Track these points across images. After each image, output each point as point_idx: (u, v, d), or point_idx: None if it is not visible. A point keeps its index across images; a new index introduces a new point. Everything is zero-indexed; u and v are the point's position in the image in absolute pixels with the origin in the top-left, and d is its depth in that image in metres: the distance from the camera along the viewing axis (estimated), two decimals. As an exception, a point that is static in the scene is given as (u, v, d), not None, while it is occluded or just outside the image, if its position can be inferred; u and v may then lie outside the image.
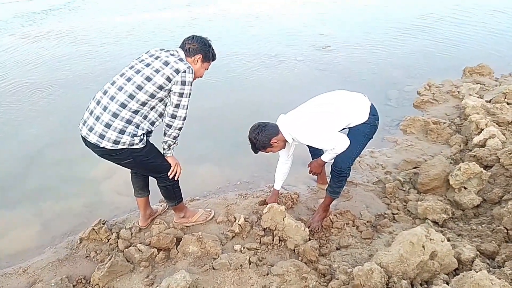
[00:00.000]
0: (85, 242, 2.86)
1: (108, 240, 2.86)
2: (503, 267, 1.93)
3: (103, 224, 2.95)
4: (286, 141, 2.62)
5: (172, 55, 2.28)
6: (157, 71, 2.19)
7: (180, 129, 2.39)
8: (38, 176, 3.73)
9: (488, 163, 3.21)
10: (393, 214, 2.93)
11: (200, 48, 2.34)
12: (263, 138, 2.55)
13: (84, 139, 2.29)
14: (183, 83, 2.22)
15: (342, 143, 2.48)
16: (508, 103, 4.22)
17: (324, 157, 2.70)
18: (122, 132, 2.19)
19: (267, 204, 2.92)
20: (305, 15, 9.11)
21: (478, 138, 3.52)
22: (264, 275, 2.41)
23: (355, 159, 2.69)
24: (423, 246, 1.95)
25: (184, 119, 2.35)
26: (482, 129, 3.59)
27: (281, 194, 3.23)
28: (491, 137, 3.44)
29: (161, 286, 2.25)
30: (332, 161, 2.71)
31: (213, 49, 2.43)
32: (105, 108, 2.19)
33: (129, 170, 2.71)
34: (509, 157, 3.00)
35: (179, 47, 2.38)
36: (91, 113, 2.24)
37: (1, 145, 4.25)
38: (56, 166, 3.86)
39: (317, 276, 2.32)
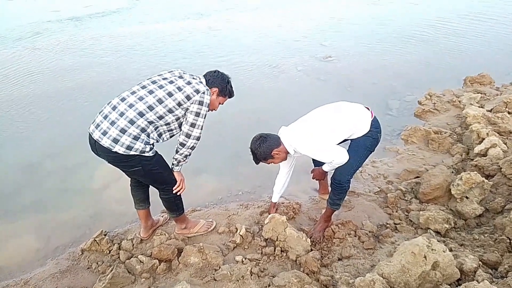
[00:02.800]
0: (86, 253, 2.85)
1: (110, 251, 2.86)
2: (506, 277, 1.92)
3: (105, 235, 2.95)
4: (288, 153, 2.64)
5: (194, 78, 2.42)
6: (179, 88, 2.31)
7: (193, 148, 2.47)
8: (37, 187, 3.74)
9: (490, 172, 3.21)
10: (395, 224, 2.92)
11: (218, 82, 2.48)
12: (265, 149, 2.57)
13: (94, 142, 2.29)
14: (200, 103, 2.33)
15: (341, 158, 2.49)
16: (509, 112, 4.23)
17: (324, 167, 2.71)
18: (136, 138, 2.24)
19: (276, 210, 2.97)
20: (305, 27, 9.19)
21: (479, 147, 3.52)
22: (266, 286, 2.40)
23: (355, 172, 2.70)
24: (425, 257, 1.94)
25: (198, 139, 2.44)
26: (483, 139, 3.59)
27: (283, 203, 3.23)
28: (492, 147, 3.44)
29: (161, 298, 2.25)
30: (333, 171, 2.72)
31: (231, 86, 2.56)
32: (121, 114, 2.24)
33: (129, 182, 2.74)
34: (511, 166, 3.00)
35: (202, 75, 2.51)
36: (105, 117, 2.28)
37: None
38: (55, 177, 3.87)
39: (319, 287, 2.31)
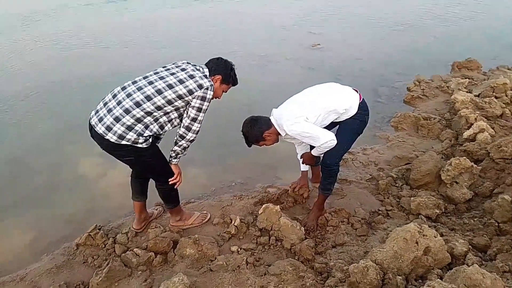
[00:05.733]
0: (81, 248, 2.84)
1: (105, 245, 2.85)
2: (495, 260, 1.98)
3: (99, 229, 2.94)
4: (279, 134, 2.65)
5: (198, 70, 2.40)
6: (181, 81, 2.29)
7: (192, 141, 2.48)
8: (28, 182, 3.70)
9: (479, 157, 3.28)
10: (386, 210, 2.98)
11: (221, 70, 2.47)
12: (256, 131, 2.59)
13: (91, 128, 2.33)
14: (203, 98, 2.33)
15: (329, 141, 2.51)
16: (496, 97, 4.30)
17: (313, 152, 2.74)
18: (129, 128, 2.23)
19: (295, 189, 3.05)
20: (294, 15, 9.13)
21: (468, 132, 3.58)
22: (262, 275, 2.43)
23: (343, 155, 2.74)
24: (417, 242, 1.99)
25: (197, 133, 2.45)
26: (472, 124, 3.65)
27: (280, 193, 3.25)
28: (480, 132, 3.50)
29: (158, 290, 2.27)
30: (322, 156, 2.75)
31: (234, 74, 2.55)
32: (119, 103, 2.25)
33: (126, 174, 2.74)
34: (499, 150, 3.06)
35: (205, 64, 2.50)
36: (105, 104, 2.31)
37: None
38: (45, 171, 3.83)
39: (314, 275, 2.35)
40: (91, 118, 2.33)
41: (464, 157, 2.99)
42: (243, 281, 2.40)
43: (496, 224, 2.36)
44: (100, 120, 2.25)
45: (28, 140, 4.34)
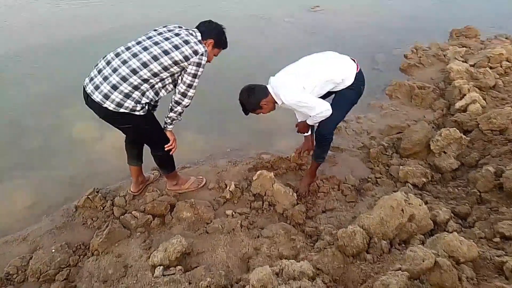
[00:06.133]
0: (80, 210, 2.93)
1: (103, 207, 2.94)
2: (473, 227, 2.11)
3: (97, 192, 3.02)
4: (276, 103, 2.68)
5: (191, 35, 2.38)
6: (176, 47, 2.27)
7: (187, 106, 2.50)
8: (26, 145, 3.72)
9: (468, 128, 3.36)
10: (376, 178, 3.09)
11: (214, 34, 2.45)
12: (253, 100, 2.62)
13: (87, 96, 2.31)
14: (198, 64, 2.33)
15: (325, 111, 2.55)
16: (491, 67, 4.32)
17: (308, 121, 2.78)
18: (127, 96, 2.25)
19: (299, 154, 3.12)
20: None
21: (460, 103, 3.64)
22: (255, 238, 2.56)
23: (337, 124, 2.78)
24: (402, 210, 2.10)
25: (192, 98, 2.47)
26: (465, 95, 3.70)
27: (274, 160, 3.33)
28: (472, 102, 3.56)
29: (159, 250, 2.39)
30: (316, 125, 2.80)
31: (225, 37, 2.53)
32: (115, 70, 2.24)
33: (123, 138, 2.78)
34: (487, 122, 3.14)
35: (196, 27, 2.46)
36: (99, 71, 2.29)
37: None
38: (42, 134, 3.84)
39: (304, 237, 2.49)
40: (85, 86, 2.31)
41: (454, 128, 3.07)
42: (238, 242, 2.54)
43: (478, 193, 2.48)
44: (97, 88, 2.24)
45: (24, 102, 4.31)
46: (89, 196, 2.98)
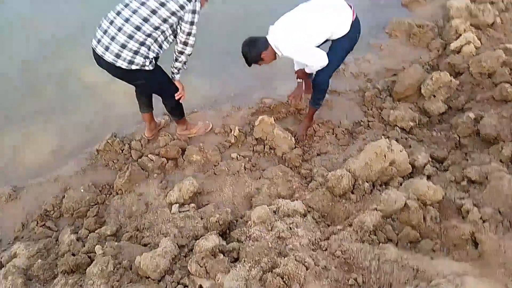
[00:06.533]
0: (101, 153, 3.25)
1: (122, 150, 3.26)
2: (447, 170, 2.42)
3: (115, 137, 3.34)
4: (276, 53, 2.82)
5: None
6: None
7: (190, 54, 2.67)
8: (43, 91, 3.90)
9: (460, 70, 3.50)
10: (368, 121, 3.34)
11: None
12: (254, 53, 2.77)
13: (98, 57, 2.50)
14: (193, 12, 2.45)
15: (321, 61, 2.71)
16: (492, 2, 4.27)
17: (306, 69, 2.96)
18: (136, 53, 2.43)
19: (293, 99, 3.30)
20: None
21: (455, 44, 3.72)
22: (257, 179, 2.93)
23: (333, 72, 2.93)
24: (385, 156, 2.40)
25: (193, 46, 2.62)
26: (460, 35, 3.76)
27: (275, 104, 3.57)
28: (467, 44, 3.65)
29: (174, 190, 2.79)
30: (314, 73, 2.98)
31: None
32: (119, 29, 2.39)
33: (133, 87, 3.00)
34: (478, 65, 3.28)
35: None
36: (105, 32, 2.44)
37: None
38: (57, 80, 4.00)
39: (300, 179, 2.85)
40: (95, 48, 2.46)
41: (444, 72, 3.23)
42: (242, 183, 2.91)
43: (458, 138, 2.75)
44: (107, 48, 2.41)
45: (37, 46, 4.35)
46: (108, 141, 3.30)
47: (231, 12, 4.79)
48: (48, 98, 3.89)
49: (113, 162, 3.23)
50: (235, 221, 2.50)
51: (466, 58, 3.53)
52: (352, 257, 1.83)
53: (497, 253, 1.59)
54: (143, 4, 2.38)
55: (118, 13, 2.42)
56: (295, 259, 1.80)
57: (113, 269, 2.01)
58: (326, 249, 1.92)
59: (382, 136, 3.10)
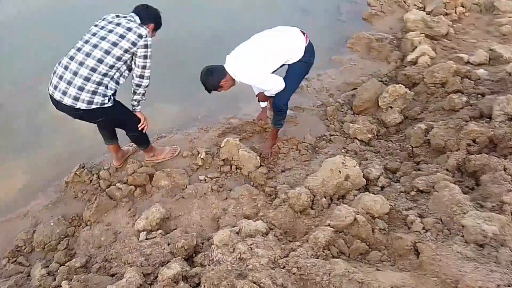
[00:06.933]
0: (70, 185, 3.28)
1: (91, 181, 3.30)
2: (399, 181, 2.53)
3: (83, 167, 3.38)
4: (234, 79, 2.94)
5: (131, 21, 2.59)
6: (121, 36, 2.50)
7: (147, 86, 2.77)
8: (13, 127, 3.94)
9: (416, 81, 3.66)
10: (330, 135, 3.45)
11: (153, 18, 2.69)
12: (212, 81, 2.87)
13: (57, 102, 2.56)
14: (145, 46, 2.57)
15: (278, 86, 2.84)
16: (446, 14, 4.50)
17: (265, 93, 3.10)
18: (94, 93, 2.51)
19: (260, 121, 3.52)
20: None
21: (411, 56, 3.90)
22: (224, 199, 2.99)
23: (291, 95, 3.05)
24: (340, 171, 2.50)
25: (149, 78, 2.73)
26: (416, 47, 3.94)
27: (241, 124, 3.66)
28: (422, 55, 3.82)
29: (141, 218, 2.83)
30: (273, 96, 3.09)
31: (161, 19, 2.77)
32: (75, 73, 2.48)
33: None
34: (431, 76, 3.44)
35: (133, 12, 2.67)
36: (60, 78, 2.51)
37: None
38: (26, 115, 4.04)
39: (265, 197, 2.92)
40: (52, 94, 2.54)
41: (399, 85, 3.37)
42: (209, 205, 2.97)
43: (411, 148, 2.88)
44: (64, 93, 2.48)
45: (3, 81, 4.40)
46: (76, 172, 3.34)
47: (197, 35, 4.90)
48: (18, 133, 3.91)
49: (82, 193, 3.26)
50: (201, 244, 2.55)
51: (421, 69, 3.69)
52: (306, 273, 1.90)
53: (433, 261, 1.68)
54: (95, 46, 2.48)
55: (72, 58, 2.51)
56: (252, 281, 1.86)
57: (78, 304, 2.03)
58: (284, 267, 1.99)
59: (343, 150, 3.24)
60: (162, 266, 2.31)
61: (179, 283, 1.98)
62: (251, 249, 2.13)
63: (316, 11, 5.16)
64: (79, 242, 2.90)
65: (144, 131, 3.03)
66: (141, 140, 3.14)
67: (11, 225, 3.10)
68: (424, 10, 4.67)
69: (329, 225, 2.10)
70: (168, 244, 2.55)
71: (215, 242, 2.23)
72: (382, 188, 2.50)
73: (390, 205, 2.21)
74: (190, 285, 1.95)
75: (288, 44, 2.86)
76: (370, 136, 3.22)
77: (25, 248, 2.93)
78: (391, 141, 3.19)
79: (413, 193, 2.30)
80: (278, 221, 2.53)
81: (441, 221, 1.90)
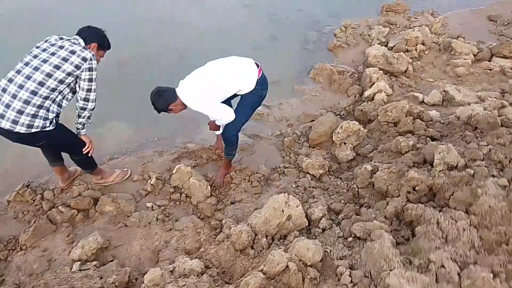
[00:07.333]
0: (12, 204, 3.14)
1: (34, 201, 3.16)
2: (340, 224, 2.54)
3: (27, 186, 3.24)
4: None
5: (75, 44, 2.54)
6: (64, 59, 2.43)
7: (93, 109, 2.69)
8: None
9: (371, 117, 3.73)
10: (284, 167, 3.45)
11: (95, 38, 2.64)
12: (161, 103, 2.82)
13: None
14: (90, 69, 2.51)
15: (227, 117, 2.83)
16: (407, 50, 4.63)
17: (216, 122, 3.07)
18: (34, 116, 2.41)
19: (217, 150, 3.51)
20: None
21: (368, 92, 3.98)
22: (168, 231, 2.91)
23: (241, 127, 3.04)
24: (282, 211, 2.49)
25: (95, 101, 2.66)
26: (374, 83, 4.03)
27: (197, 149, 3.62)
28: (378, 92, 3.90)
29: (77, 247, 2.72)
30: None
31: (107, 39, 2.73)
32: (14, 96, 2.37)
33: None
34: (385, 114, 3.51)
35: (76, 35, 2.62)
36: (1, 103, 2.39)
37: None
38: None
39: (210, 230, 2.86)
40: None
41: (353, 121, 3.42)
42: (152, 235, 2.89)
43: (357, 188, 2.90)
44: (2, 116, 2.37)
45: None
46: (19, 192, 3.20)
47: (165, 54, 4.85)
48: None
49: (23, 213, 3.11)
50: (135, 280, 2.47)
51: (377, 106, 3.76)
52: (232, 323, 1.85)
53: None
54: (36, 69, 2.40)
55: (11, 80, 2.41)
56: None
57: None
58: (211, 315, 1.93)
59: (294, 185, 3.23)
60: (91, 302, 2.22)
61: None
62: (181, 291, 2.07)
63: (285, 38, 5.22)
64: (10, 267, 2.75)
65: (89, 155, 2.93)
66: (87, 164, 3.05)
67: None
68: (386, 46, 4.80)
69: (261, 270, 2.07)
70: (101, 278, 2.45)
71: (145, 281, 2.16)
72: (324, 230, 2.50)
73: (326, 251, 2.20)
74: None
75: (240, 77, 2.86)
76: (321, 171, 3.24)
77: (-45, 269, 2.75)
78: (340, 178, 3.21)
79: (350, 239, 2.31)
80: (218, 259, 2.49)
81: (370, 275, 1.90)
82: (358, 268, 1.99)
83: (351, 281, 1.87)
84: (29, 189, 3.23)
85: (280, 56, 4.85)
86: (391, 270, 1.80)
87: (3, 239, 2.94)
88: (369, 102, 3.92)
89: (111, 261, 2.68)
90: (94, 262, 2.62)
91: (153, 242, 2.83)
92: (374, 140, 3.52)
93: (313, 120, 3.89)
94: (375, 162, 3.02)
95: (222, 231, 2.78)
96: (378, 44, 4.74)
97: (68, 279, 2.49)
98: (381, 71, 4.16)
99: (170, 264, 2.44)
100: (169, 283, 2.16)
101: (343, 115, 3.96)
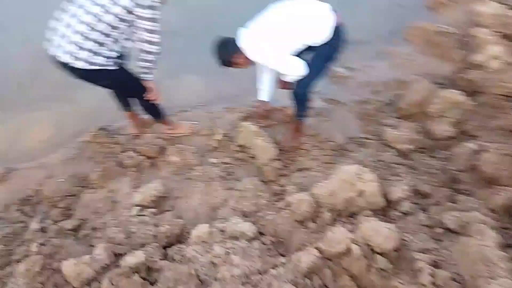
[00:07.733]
0: (88, 144, 3.26)
1: (108, 144, 3.25)
2: (427, 210, 2.07)
3: (104, 129, 3.35)
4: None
5: None
6: None
7: (158, 53, 2.48)
8: (48, 78, 3.86)
9: (480, 89, 3.05)
10: (364, 138, 3.01)
11: None
12: (223, 55, 2.55)
13: (57, 60, 2.38)
14: (150, 7, 2.25)
15: (296, 71, 2.46)
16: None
17: (286, 78, 2.72)
18: (95, 53, 2.31)
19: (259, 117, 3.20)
20: None
21: (479, 57, 3.24)
22: (229, 189, 2.75)
23: (314, 84, 2.61)
24: (354, 184, 2.12)
25: (159, 44, 2.43)
26: (486, 48, 3.27)
27: (268, 110, 3.33)
28: (493, 58, 3.16)
29: (139, 191, 2.71)
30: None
31: None
32: (74, 31, 2.26)
33: None
34: (499, 86, 2.83)
35: None
36: (62, 36, 2.32)
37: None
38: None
39: (270, 195, 2.62)
40: (50, 51, 2.36)
41: (456, 91, 2.82)
42: (211, 192, 2.76)
43: (454, 171, 2.36)
44: (63, 51, 2.30)
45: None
46: (96, 133, 3.32)
47: (236, 6, 4.51)
48: (54, 84, 3.95)
49: (96, 154, 3.21)
50: (187, 234, 2.36)
51: (490, 75, 3.06)
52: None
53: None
54: (95, 4, 2.22)
55: (70, 14, 2.29)
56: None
57: (40, 270, 1.96)
58: (255, 286, 1.72)
59: (374, 158, 2.81)
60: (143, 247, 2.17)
61: (137, 274, 1.80)
62: (228, 254, 1.88)
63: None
64: (80, 203, 2.87)
65: (155, 103, 2.83)
66: (152, 111, 2.96)
67: (28, 173, 3.14)
68: (503, 4, 3.84)
69: (317, 248, 1.77)
70: (155, 226, 2.40)
71: (192, 236, 2.02)
72: (405, 214, 2.07)
73: (403, 239, 1.81)
74: (148, 280, 1.77)
75: (309, 20, 2.39)
76: (411, 147, 2.74)
77: (33, 199, 2.96)
78: (434, 157, 2.67)
79: (438, 230, 1.86)
80: (275, 227, 2.25)
81: (460, 279, 1.48)
82: (445, 268, 1.58)
83: (433, 282, 1.48)
84: (104, 132, 3.32)
85: (369, 12, 4.21)
86: (493, 278, 1.36)
87: (78, 176, 3.06)
88: (478, 70, 3.20)
89: (169, 211, 2.62)
90: (153, 210, 2.58)
91: (212, 199, 2.70)
92: (482, 115, 2.86)
93: (404, 88, 3.33)
94: (482, 141, 2.43)
95: (284, 199, 2.52)
96: (492, 0, 3.81)
97: (125, 222, 2.49)
98: (497, 33, 3.35)
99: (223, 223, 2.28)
100: (217, 242, 1.99)
101: (443, 83, 3.31)
